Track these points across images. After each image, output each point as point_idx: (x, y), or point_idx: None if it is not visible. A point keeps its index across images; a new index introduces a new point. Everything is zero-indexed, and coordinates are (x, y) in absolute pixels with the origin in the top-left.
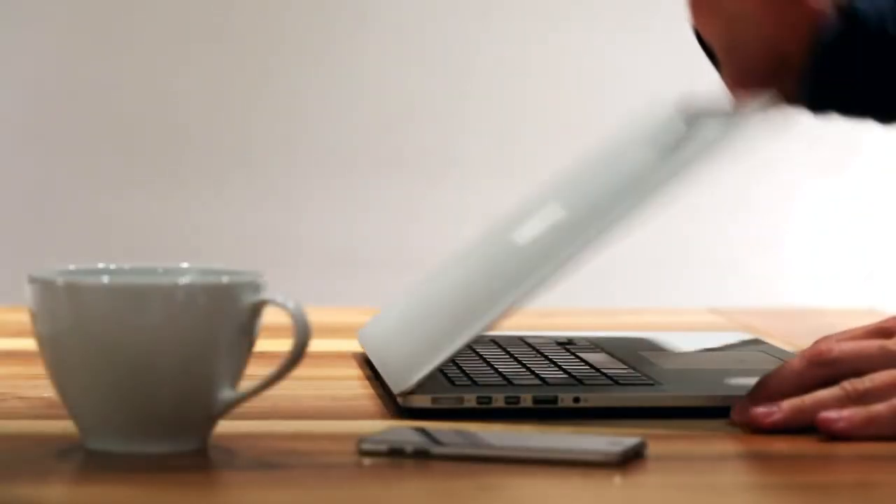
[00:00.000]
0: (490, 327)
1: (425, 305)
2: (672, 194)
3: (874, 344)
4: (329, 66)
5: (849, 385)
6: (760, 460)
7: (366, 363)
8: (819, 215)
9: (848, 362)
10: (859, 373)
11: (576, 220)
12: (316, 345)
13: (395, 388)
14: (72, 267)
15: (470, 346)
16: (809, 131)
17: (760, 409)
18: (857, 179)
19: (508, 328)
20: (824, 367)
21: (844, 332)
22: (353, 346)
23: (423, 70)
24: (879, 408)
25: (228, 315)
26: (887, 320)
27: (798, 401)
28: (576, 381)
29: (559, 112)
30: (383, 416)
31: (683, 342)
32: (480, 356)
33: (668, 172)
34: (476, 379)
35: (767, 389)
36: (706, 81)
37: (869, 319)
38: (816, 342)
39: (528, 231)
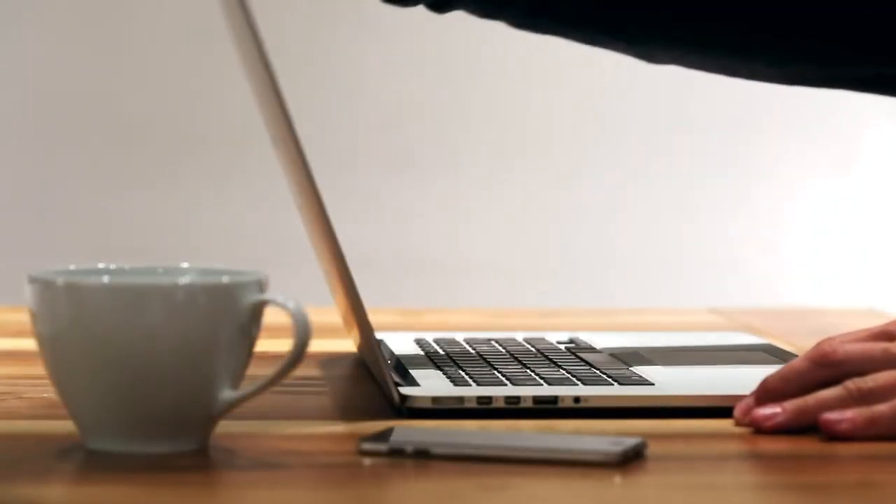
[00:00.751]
0: None
1: None
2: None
3: (878, 346)
4: (329, 66)
5: (852, 385)
6: (760, 460)
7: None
8: (819, 215)
9: (852, 364)
10: (863, 374)
11: None
12: (316, 345)
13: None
14: (72, 267)
15: (470, 346)
16: (809, 131)
17: (763, 412)
18: (858, 179)
19: (509, 328)
20: (828, 369)
21: (848, 334)
22: (353, 346)
23: (423, 70)
24: (882, 408)
25: (228, 315)
26: (891, 323)
27: (801, 401)
28: (576, 381)
29: (560, 112)
30: (383, 416)
31: (683, 342)
32: (480, 356)
33: None
34: (476, 379)
35: (771, 390)
36: (701, 79)
37: (869, 320)
38: (820, 343)
39: None
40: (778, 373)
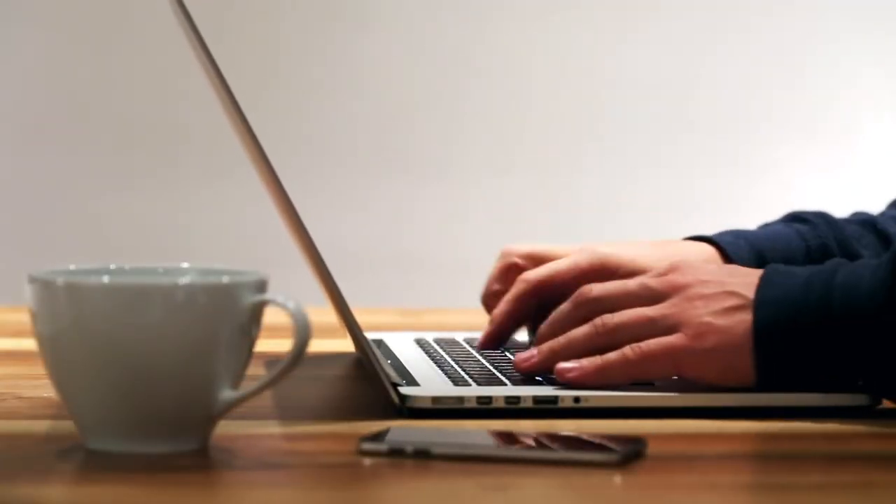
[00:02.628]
0: None
1: None
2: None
3: (636, 281)
4: (328, 67)
5: (599, 321)
6: (760, 460)
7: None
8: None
9: (609, 300)
10: (619, 309)
11: None
12: (316, 345)
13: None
14: (72, 267)
15: (470, 346)
16: (808, 131)
17: (521, 355)
18: (857, 179)
19: None
20: (586, 307)
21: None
22: (353, 346)
23: (422, 70)
24: (612, 356)
25: (228, 315)
26: (669, 264)
27: (554, 342)
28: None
29: (558, 112)
30: (383, 416)
31: None
32: (480, 356)
33: None
34: (476, 379)
35: (543, 336)
36: (704, 81)
37: None
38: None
39: None
40: (548, 318)
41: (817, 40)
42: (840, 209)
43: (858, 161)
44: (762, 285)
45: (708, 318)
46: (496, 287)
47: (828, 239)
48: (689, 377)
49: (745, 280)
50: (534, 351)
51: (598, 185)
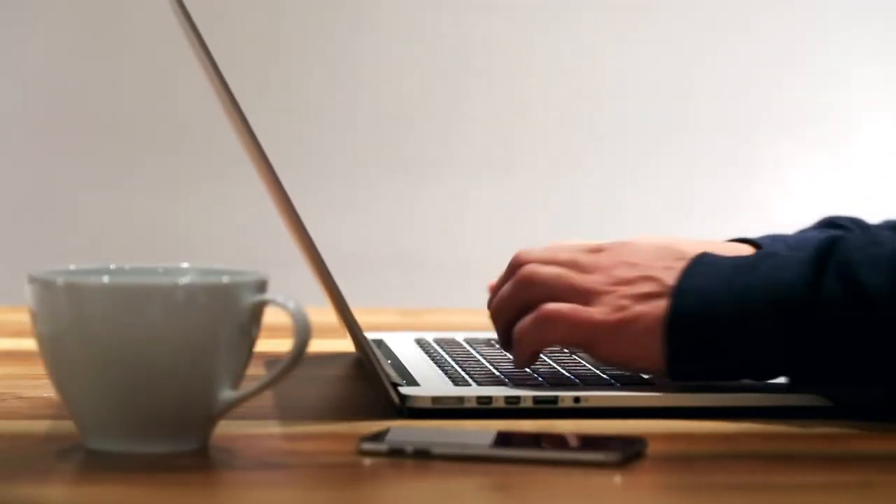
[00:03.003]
0: None
1: None
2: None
3: (569, 252)
4: (329, 67)
5: (521, 273)
6: (760, 460)
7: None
8: (819, 215)
9: (534, 260)
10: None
11: None
12: (316, 345)
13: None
14: (72, 267)
15: (470, 346)
16: (806, 130)
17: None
18: (858, 180)
19: None
20: (515, 267)
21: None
22: (353, 345)
23: (423, 70)
24: (526, 318)
25: (228, 315)
26: (606, 242)
27: (491, 304)
28: (576, 381)
29: (557, 112)
30: (383, 416)
31: None
32: (480, 356)
33: None
34: (476, 379)
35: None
36: (701, 80)
37: None
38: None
39: None
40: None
41: (817, 40)
42: (839, 209)
43: (858, 161)
44: (685, 274)
45: (624, 301)
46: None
47: None
48: (598, 357)
49: (672, 266)
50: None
51: (598, 185)
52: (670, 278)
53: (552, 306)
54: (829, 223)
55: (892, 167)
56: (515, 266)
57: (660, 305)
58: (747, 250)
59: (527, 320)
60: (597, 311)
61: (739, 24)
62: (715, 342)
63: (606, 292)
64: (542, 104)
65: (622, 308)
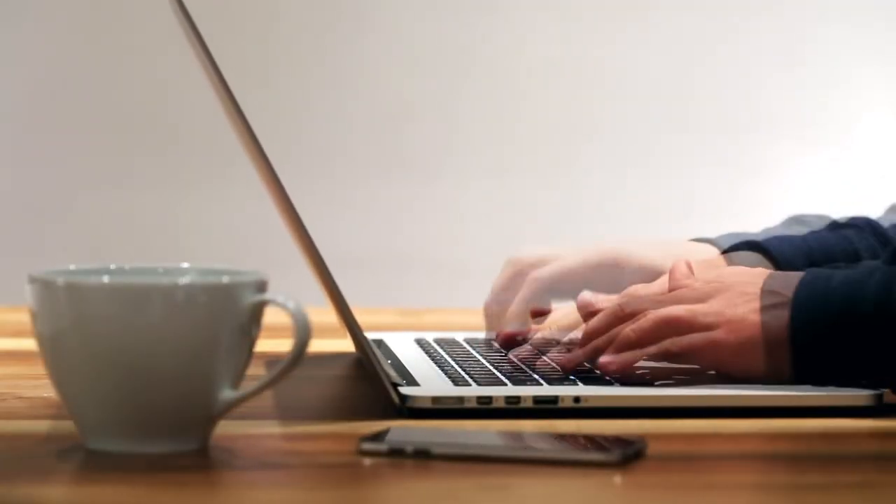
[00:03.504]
0: None
1: None
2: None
3: (670, 294)
4: (329, 67)
5: (641, 316)
6: (760, 460)
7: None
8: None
9: (652, 302)
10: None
11: None
12: (316, 345)
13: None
14: (72, 267)
15: (470, 346)
16: (804, 130)
17: (564, 356)
18: (857, 179)
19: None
20: (630, 307)
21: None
22: (353, 345)
23: (420, 70)
24: (651, 349)
25: (228, 315)
26: (705, 269)
27: (599, 341)
28: (576, 381)
29: (556, 111)
30: (383, 416)
31: None
32: (480, 356)
33: None
34: (476, 379)
35: (588, 336)
36: (699, 79)
37: None
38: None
39: None
40: (594, 317)
41: (816, 40)
42: (839, 209)
43: (857, 160)
44: (801, 286)
45: (746, 314)
46: (504, 294)
47: (875, 245)
48: (726, 372)
49: (784, 281)
50: (578, 352)
51: (597, 185)
52: (788, 290)
53: (681, 344)
54: (840, 224)
55: (890, 166)
56: (629, 313)
57: (782, 315)
58: (712, 251)
59: (654, 354)
60: (721, 333)
61: (738, 25)
62: (835, 347)
63: (725, 311)
64: (543, 104)
65: (744, 322)
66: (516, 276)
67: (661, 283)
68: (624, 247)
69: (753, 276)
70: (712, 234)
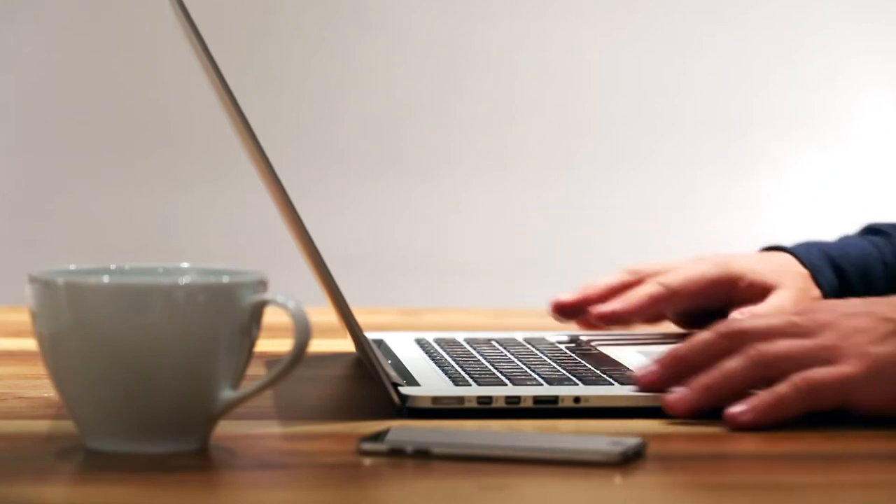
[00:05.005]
0: None
1: None
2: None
3: (783, 317)
4: (327, 67)
5: (754, 352)
6: (760, 460)
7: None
8: (820, 215)
9: (756, 334)
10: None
11: None
12: (316, 345)
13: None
14: (72, 267)
15: (470, 346)
16: (802, 129)
17: (672, 396)
18: (856, 179)
19: (509, 328)
20: (733, 339)
21: (762, 311)
22: (353, 345)
23: (420, 70)
24: (782, 389)
25: (229, 315)
26: (801, 306)
27: (707, 378)
28: (576, 381)
29: (554, 111)
30: (383, 416)
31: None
32: (480, 356)
33: None
34: (476, 379)
35: (679, 357)
36: (698, 78)
37: None
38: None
39: None
40: (687, 343)
41: (812, 38)
42: (838, 209)
43: (853, 158)
44: None
45: (868, 347)
46: (610, 293)
47: None
48: (857, 407)
49: (890, 306)
50: (685, 390)
51: (597, 185)
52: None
53: (806, 377)
54: (871, 230)
55: (888, 164)
56: (733, 334)
57: None
58: (788, 260)
59: (787, 394)
60: (850, 367)
61: (736, 23)
62: None
63: (843, 346)
64: (541, 103)
65: (870, 355)
66: (632, 281)
67: (761, 311)
68: (735, 261)
69: (855, 305)
70: (718, 233)
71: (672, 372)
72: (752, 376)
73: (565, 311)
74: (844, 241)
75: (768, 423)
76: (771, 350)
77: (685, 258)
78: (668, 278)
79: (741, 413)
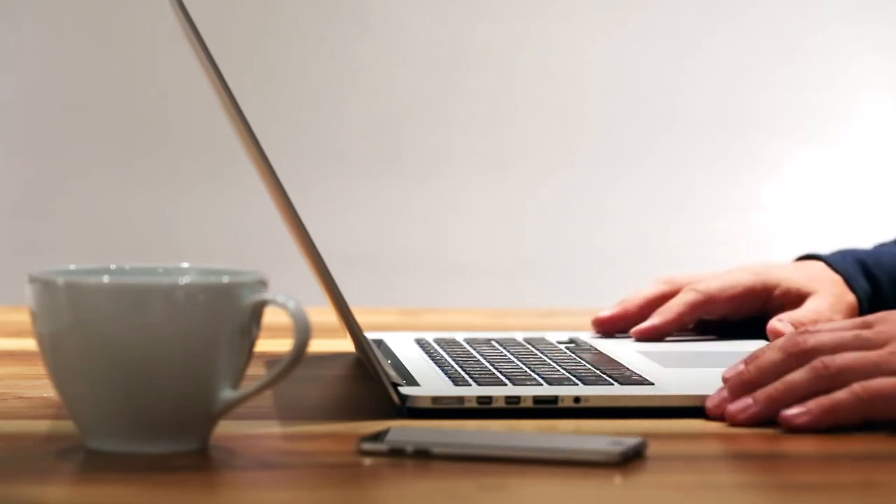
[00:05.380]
0: None
1: None
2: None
3: (849, 333)
4: (326, 67)
5: (819, 363)
6: (760, 460)
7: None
8: (820, 215)
9: (824, 351)
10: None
11: None
12: (316, 345)
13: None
14: (72, 267)
15: (470, 346)
16: (801, 129)
17: (736, 406)
18: (852, 178)
19: (509, 328)
20: (801, 357)
21: (825, 324)
22: (353, 345)
23: (420, 70)
24: (840, 395)
25: (229, 315)
26: (868, 317)
27: (771, 389)
28: (576, 381)
29: (554, 110)
30: (383, 416)
31: (680, 341)
32: (480, 356)
33: None
34: (476, 379)
35: (747, 381)
36: (698, 77)
37: None
38: (793, 333)
39: None
40: (753, 364)
41: (812, 36)
42: (838, 209)
43: (854, 157)
44: None
45: None
46: (643, 306)
47: None
48: None
49: None
50: (749, 400)
51: (597, 184)
52: None
53: (866, 385)
54: None
55: (888, 164)
56: (801, 352)
57: None
58: (822, 269)
59: (844, 401)
60: None
61: (735, 22)
62: None
63: None
64: (541, 103)
65: None
66: (668, 292)
67: (801, 317)
68: (770, 270)
69: None
70: (718, 233)
71: (740, 398)
72: (816, 388)
73: (605, 327)
74: (879, 248)
75: (823, 426)
76: (836, 362)
77: (724, 270)
78: (703, 285)
79: (797, 415)
